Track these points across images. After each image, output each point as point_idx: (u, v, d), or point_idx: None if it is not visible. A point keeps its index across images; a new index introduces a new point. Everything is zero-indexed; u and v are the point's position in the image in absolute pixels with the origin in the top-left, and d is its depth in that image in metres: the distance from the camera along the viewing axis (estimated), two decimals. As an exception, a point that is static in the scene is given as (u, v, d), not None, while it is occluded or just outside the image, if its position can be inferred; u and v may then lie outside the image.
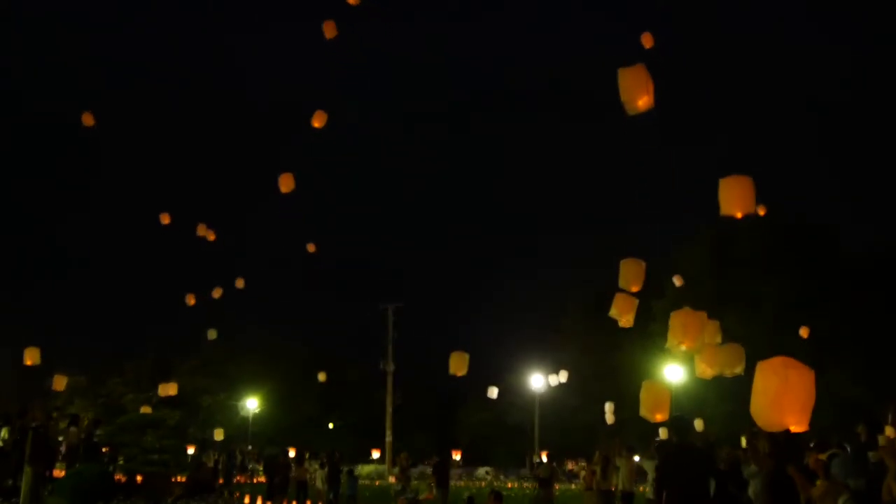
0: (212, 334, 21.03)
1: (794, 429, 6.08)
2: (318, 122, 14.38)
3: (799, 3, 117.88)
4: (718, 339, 10.10)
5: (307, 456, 25.17)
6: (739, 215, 6.84)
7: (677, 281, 21.50)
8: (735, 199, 6.87)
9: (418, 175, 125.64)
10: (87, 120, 14.79)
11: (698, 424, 20.03)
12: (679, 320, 9.01)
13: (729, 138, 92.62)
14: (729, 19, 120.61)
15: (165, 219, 17.49)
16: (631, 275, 9.78)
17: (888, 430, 9.72)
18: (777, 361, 6.31)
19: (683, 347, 9.00)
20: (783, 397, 5.99)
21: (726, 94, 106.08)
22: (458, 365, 14.02)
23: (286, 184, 14.43)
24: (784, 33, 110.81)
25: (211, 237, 17.83)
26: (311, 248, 20.64)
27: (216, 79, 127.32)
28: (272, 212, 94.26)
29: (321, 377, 30.33)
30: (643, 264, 9.87)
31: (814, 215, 43.39)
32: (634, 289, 9.82)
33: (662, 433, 17.56)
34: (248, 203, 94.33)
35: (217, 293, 19.81)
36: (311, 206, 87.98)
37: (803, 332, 23.21)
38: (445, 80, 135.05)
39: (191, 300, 19.54)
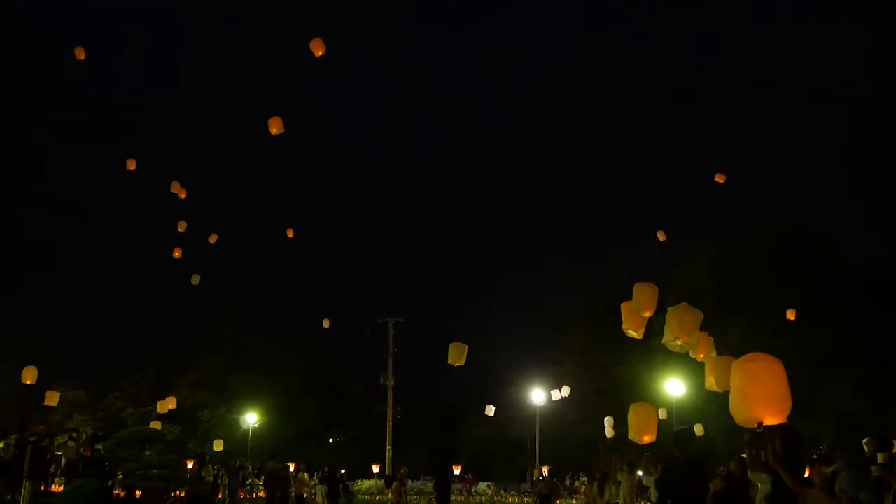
0: (195, 279, 20.79)
1: (768, 421, 6.12)
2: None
3: (800, 4, 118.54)
4: (713, 353, 10.09)
5: (303, 468, 25.14)
6: None
7: (661, 236, 20.56)
8: None
9: (419, 187, 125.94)
10: (80, 54, 14.99)
11: (698, 429, 19.92)
12: (676, 316, 9.05)
13: (732, 149, 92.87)
14: (728, 24, 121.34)
15: (131, 164, 16.79)
16: (645, 300, 9.79)
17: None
18: (744, 357, 6.40)
19: (679, 343, 9.03)
20: (749, 388, 6.07)
21: (731, 104, 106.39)
22: (457, 355, 13.85)
23: (276, 125, 14.33)
24: (785, 36, 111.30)
25: (182, 195, 17.57)
26: (290, 233, 20.94)
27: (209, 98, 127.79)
28: (269, 222, 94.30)
29: (325, 324, 27.36)
30: (656, 289, 9.87)
31: (816, 224, 43.36)
32: (647, 314, 9.84)
33: None
34: (244, 213, 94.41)
35: (213, 239, 19.79)
36: (310, 216, 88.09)
37: (790, 315, 22.93)
38: (447, 84, 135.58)
39: (177, 253, 19.36)
